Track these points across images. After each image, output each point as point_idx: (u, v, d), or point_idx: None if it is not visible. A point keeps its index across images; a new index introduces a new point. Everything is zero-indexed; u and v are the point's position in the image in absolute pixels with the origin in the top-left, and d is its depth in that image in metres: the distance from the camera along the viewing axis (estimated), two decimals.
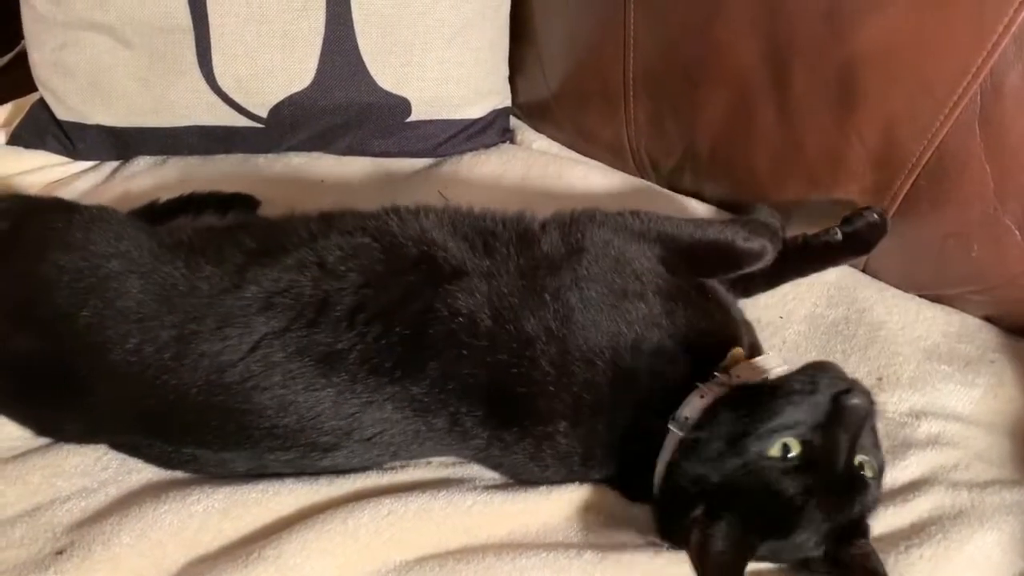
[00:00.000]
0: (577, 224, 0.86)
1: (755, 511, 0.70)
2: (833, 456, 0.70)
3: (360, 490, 0.80)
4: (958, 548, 0.75)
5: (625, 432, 0.78)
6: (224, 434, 0.77)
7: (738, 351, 0.81)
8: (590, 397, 0.77)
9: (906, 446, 0.85)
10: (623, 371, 0.78)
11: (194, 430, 0.78)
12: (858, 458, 0.72)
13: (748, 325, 0.90)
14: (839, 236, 0.93)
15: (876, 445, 0.75)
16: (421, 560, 0.75)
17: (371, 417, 0.77)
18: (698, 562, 0.69)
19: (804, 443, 0.70)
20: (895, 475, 0.82)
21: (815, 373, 0.72)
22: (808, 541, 0.71)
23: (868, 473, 0.72)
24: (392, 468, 0.82)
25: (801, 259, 0.96)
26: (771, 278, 0.97)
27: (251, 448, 0.78)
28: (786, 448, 0.70)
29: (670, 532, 0.75)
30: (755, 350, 0.87)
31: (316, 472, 0.80)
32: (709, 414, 0.74)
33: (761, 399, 0.72)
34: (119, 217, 0.88)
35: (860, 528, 0.73)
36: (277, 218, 0.92)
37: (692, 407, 0.76)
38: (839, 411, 0.69)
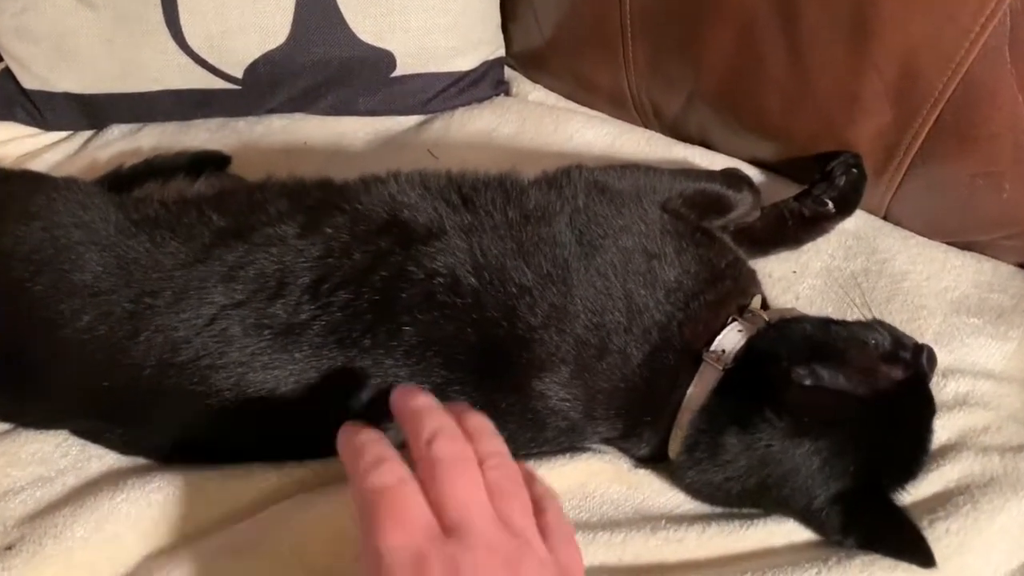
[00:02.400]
0: (568, 175, 0.82)
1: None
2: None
3: (335, 473, 0.74)
4: (988, 519, 0.69)
5: (641, 373, 0.72)
6: (179, 418, 0.72)
7: (758, 296, 0.77)
8: (596, 343, 0.72)
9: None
10: (637, 310, 0.73)
11: (150, 414, 0.73)
12: None
13: (754, 273, 0.85)
14: (831, 207, 0.89)
15: None
16: None
17: (341, 394, 0.71)
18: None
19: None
20: None
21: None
22: None
23: None
24: None
25: (794, 231, 0.92)
26: (761, 246, 0.92)
27: (208, 432, 0.73)
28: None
29: (697, 486, 0.72)
30: (765, 303, 0.82)
31: (284, 456, 0.74)
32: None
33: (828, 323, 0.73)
34: (87, 188, 0.84)
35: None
36: (249, 188, 0.87)
37: (730, 340, 0.72)
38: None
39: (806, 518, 0.70)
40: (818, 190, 0.90)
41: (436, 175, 0.81)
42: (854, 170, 0.89)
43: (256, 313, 0.71)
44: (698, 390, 0.71)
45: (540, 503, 0.57)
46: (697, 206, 0.85)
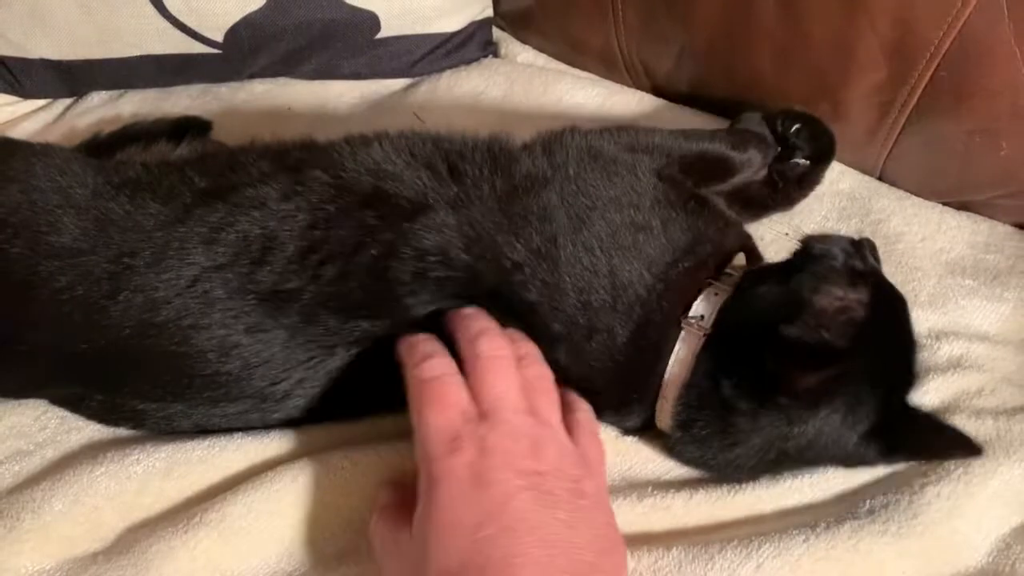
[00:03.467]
0: (560, 140, 0.79)
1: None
2: None
3: (321, 441, 0.73)
4: (981, 484, 0.67)
5: (627, 350, 0.70)
6: (161, 382, 0.71)
7: (741, 255, 0.75)
8: (584, 322, 0.70)
9: (925, 370, 0.76)
10: (621, 286, 0.71)
11: (130, 378, 0.72)
12: None
13: (751, 240, 0.82)
14: (808, 163, 0.88)
15: None
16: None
17: (330, 364, 0.70)
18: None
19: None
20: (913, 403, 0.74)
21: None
22: None
23: None
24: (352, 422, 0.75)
25: (785, 192, 0.90)
26: (754, 209, 0.90)
27: (192, 398, 0.71)
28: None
29: (692, 452, 0.70)
30: (757, 262, 0.80)
31: (269, 426, 0.73)
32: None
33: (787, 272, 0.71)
34: (64, 153, 0.82)
35: None
36: (231, 151, 0.85)
37: (707, 304, 0.70)
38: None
39: (841, 463, 0.69)
40: (787, 160, 0.88)
41: (423, 139, 0.78)
42: (799, 124, 0.87)
43: (240, 277, 0.69)
44: (680, 359, 0.69)
45: (570, 404, 0.67)
46: (697, 171, 0.82)
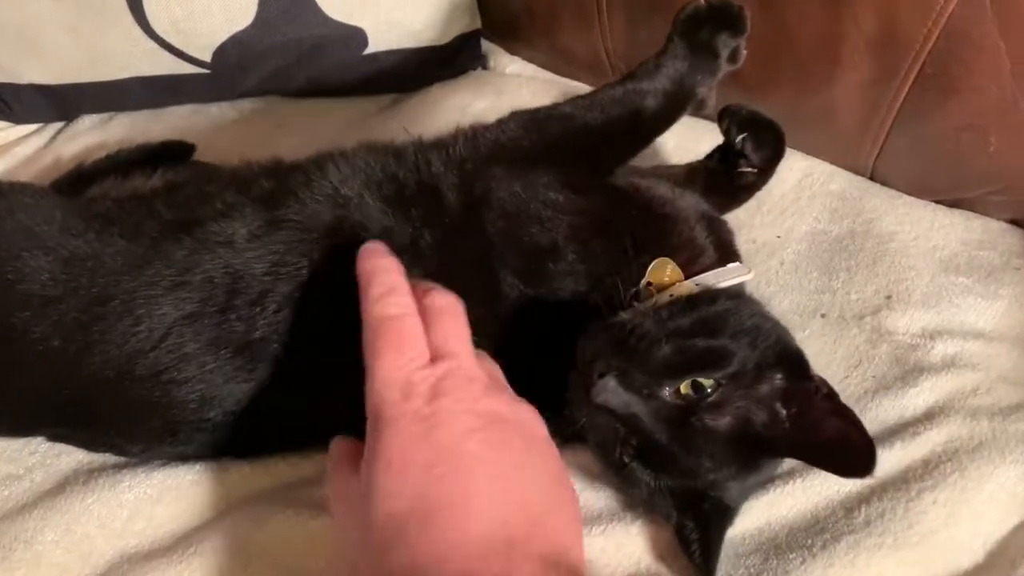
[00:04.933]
0: (469, 171, 0.73)
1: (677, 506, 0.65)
2: (644, 434, 0.62)
3: (312, 468, 0.72)
4: (976, 488, 0.66)
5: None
6: (149, 429, 0.70)
7: (661, 262, 0.69)
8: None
9: (918, 371, 0.75)
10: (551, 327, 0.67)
11: (118, 424, 0.71)
12: (682, 387, 0.62)
13: (709, 219, 0.76)
14: (753, 171, 0.83)
15: (680, 349, 0.62)
16: None
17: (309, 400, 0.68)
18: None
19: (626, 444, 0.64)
20: (905, 404, 0.73)
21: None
22: (726, 487, 0.64)
23: (705, 385, 0.62)
24: None
25: (725, 201, 0.85)
26: (723, 201, 0.85)
27: (182, 443, 0.70)
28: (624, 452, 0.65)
29: None
30: (726, 250, 0.75)
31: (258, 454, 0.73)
32: None
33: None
34: (31, 189, 0.80)
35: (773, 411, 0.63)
36: (200, 178, 0.81)
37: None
38: (601, 413, 0.62)
39: None
40: (734, 168, 0.84)
41: (374, 164, 0.74)
42: (746, 132, 0.82)
43: (211, 328, 0.67)
44: None
45: None
46: (613, 150, 0.77)
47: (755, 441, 0.62)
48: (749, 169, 0.84)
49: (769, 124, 0.82)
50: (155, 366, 0.67)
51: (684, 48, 0.77)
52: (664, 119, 0.78)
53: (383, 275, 0.61)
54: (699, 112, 0.80)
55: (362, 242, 0.66)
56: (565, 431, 0.69)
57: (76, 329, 0.68)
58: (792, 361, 0.65)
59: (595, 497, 0.70)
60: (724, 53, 0.78)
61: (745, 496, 0.67)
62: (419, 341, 0.58)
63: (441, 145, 0.76)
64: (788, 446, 0.64)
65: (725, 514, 0.65)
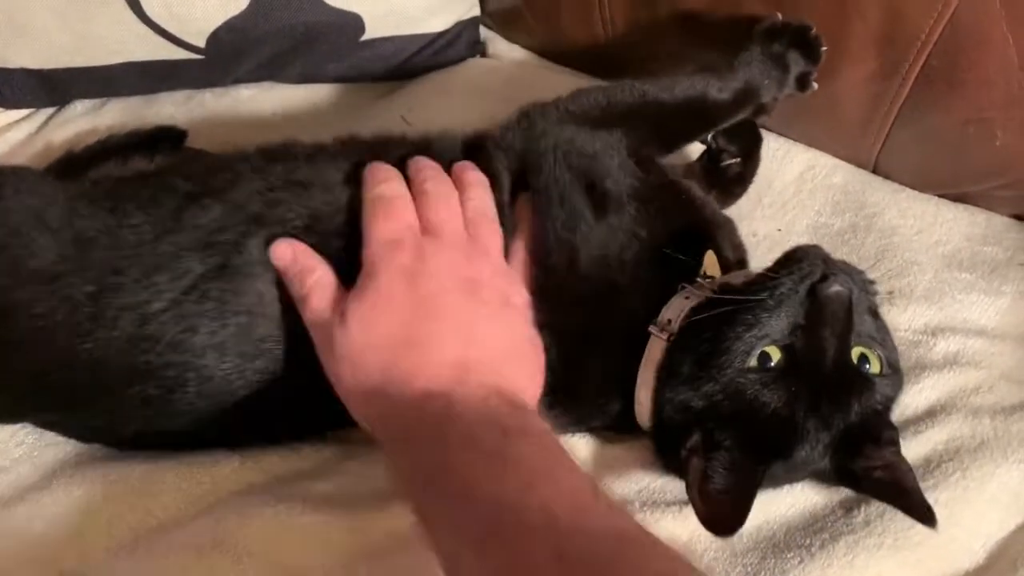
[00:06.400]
0: (534, 128, 0.77)
1: (749, 433, 0.62)
2: (818, 357, 0.61)
3: (303, 463, 0.72)
4: (978, 488, 0.66)
5: (612, 358, 0.69)
6: (151, 405, 0.69)
7: (710, 254, 0.71)
8: (573, 327, 0.69)
9: (920, 368, 0.75)
10: (605, 292, 0.70)
11: (116, 403, 0.70)
12: (857, 351, 0.63)
13: (729, 225, 0.80)
14: (737, 161, 0.87)
15: (880, 332, 0.66)
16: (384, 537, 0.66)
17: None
18: (701, 507, 0.61)
19: (784, 348, 0.62)
20: (906, 402, 0.72)
21: (789, 264, 0.64)
22: (812, 454, 0.63)
23: (873, 367, 0.63)
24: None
25: (724, 195, 0.88)
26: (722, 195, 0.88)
27: (189, 420, 0.70)
28: (765, 358, 0.62)
29: (671, 463, 0.67)
30: (739, 251, 0.78)
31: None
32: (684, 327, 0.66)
33: (730, 309, 0.63)
34: (33, 173, 0.81)
35: (871, 434, 0.63)
36: (210, 155, 0.84)
37: (675, 308, 0.68)
38: (816, 304, 0.61)
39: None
40: (718, 164, 0.87)
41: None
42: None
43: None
44: (648, 362, 0.67)
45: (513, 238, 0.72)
46: (678, 129, 0.81)
47: (853, 444, 0.63)
48: (733, 160, 0.87)
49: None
50: (175, 318, 0.68)
51: (759, 55, 0.81)
52: (728, 112, 0.81)
53: (382, 170, 0.70)
54: (758, 117, 0.86)
55: None
56: (592, 423, 0.71)
57: (85, 301, 0.68)
58: (892, 403, 0.67)
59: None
60: (794, 71, 0.82)
61: (779, 483, 0.67)
62: (409, 213, 0.67)
63: (494, 131, 0.79)
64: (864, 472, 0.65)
65: (761, 472, 0.63)
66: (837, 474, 0.65)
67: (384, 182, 0.69)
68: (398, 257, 0.64)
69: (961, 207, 0.88)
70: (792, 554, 0.64)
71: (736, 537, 0.65)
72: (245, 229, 0.70)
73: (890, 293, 0.81)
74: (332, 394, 0.66)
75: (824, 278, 0.61)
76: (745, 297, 0.63)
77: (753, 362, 0.62)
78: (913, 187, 0.90)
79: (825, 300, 0.61)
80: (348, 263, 0.67)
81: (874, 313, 0.66)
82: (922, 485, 0.66)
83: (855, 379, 0.63)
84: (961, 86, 0.80)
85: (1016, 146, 0.81)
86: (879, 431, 0.64)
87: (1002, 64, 0.77)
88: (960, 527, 0.65)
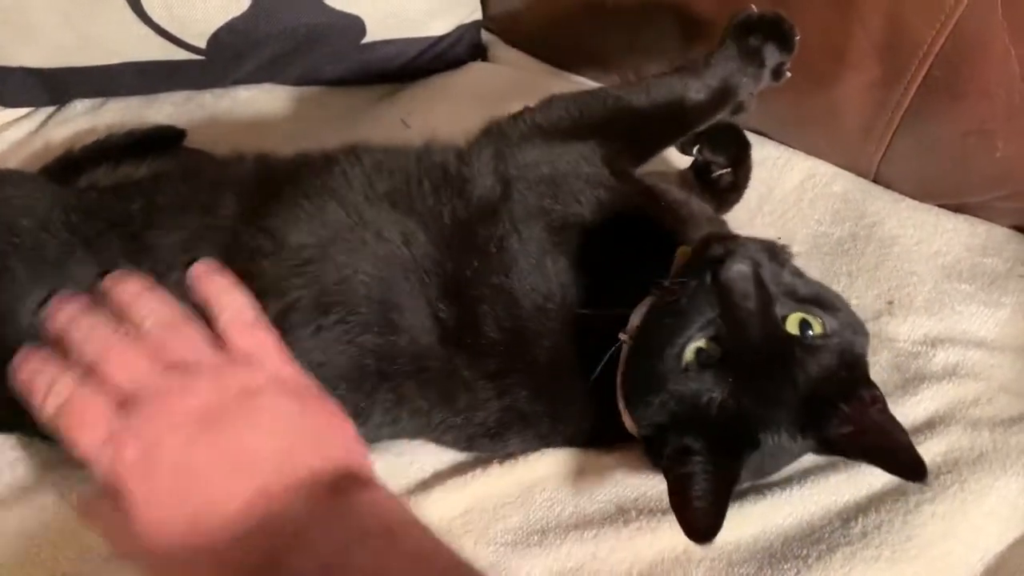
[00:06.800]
0: (499, 152, 0.74)
1: (711, 431, 0.60)
2: (744, 338, 0.59)
3: None
4: (976, 501, 0.66)
5: (588, 375, 0.67)
6: None
7: (683, 250, 0.68)
8: (548, 347, 0.68)
9: (919, 379, 0.75)
10: (565, 300, 0.69)
11: None
12: (795, 318, 0.61)
13: (717, 221, 0.79)
14: (727, 171, 0.86)
15: (812, 289, 0.64)
16: None
17: None
18: (681, 515, 0.59)
19: (712, 339, 0.60)
20: (905, 413, 0.72)
21: (694, 258, 0.63)
22: (780, 436, 0.60)
23: (815, 329, 0.61)
24: None
25: (719, 203, 0.87)
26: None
27: None
28: (700, 354, 0.61)
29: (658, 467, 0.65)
30: None
31: None
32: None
33: (654, 316, 0.63)
34: (21, 177, 0.81)
35: (838, 397, 0.60)
36: (182, 173, 0.81)
37: (639, 313, 0.66)
38: (722, 291, 0.60)
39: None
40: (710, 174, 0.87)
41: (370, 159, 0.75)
42: (689, 142, 0.85)
43: None
44: (621, 371, 0.66)
45: (216, 309, 0.59)
46: (653, 135, 0.79)
47: (819, 412, 0.60)
48: (723, 171, 0.86)
49: (722, 123, 0.83)
50: None
51: (734, 50, 0.78)
52: (705, 112, 0.79)
53: (37, 377, 0.56)
54: (736, 115, 0.82)
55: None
56: (565, 433, 0.70)
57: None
58: (862, 360, 0.65)
59: (588, 502, 0.69)
60: (770, 64, 0.79)
61: (764, 473, 0.65)
62: (98, 401, 0.54)
63: (468, 144, 0.77)
64: (843, 437, 0.61)
65: (735, 469, 0.61)
66: (821, 446, 0.63)
67: (49, 389, 0.56)
68: (123, 458, 0.52)
69: (961, 218, 0.88)
70: (789, 565, 0.64)
71: (733, 547, 0.65)
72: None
73: (889, 303, 0.81)
74: None
75: (720, 261, 0.60)
76: (660, 303, 0.62)
77: (689, 359, 0.61)
78: (913, 197, 0.90)
79: (728, 283, 0.59)
80: None
81: (797, 274, 0.64)
82: (919, 498, 0.66)
83: (793, 348, 0.60)
84: (963, 97, 0.80)
85: (1017, 157, 0.81)
86: (851, 391, 0.61)
87: (1004, 75, 0.77)
88: (958, 540, 0.65)
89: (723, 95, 0.78)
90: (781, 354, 0.60)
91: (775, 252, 0.63)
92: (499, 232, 0.69)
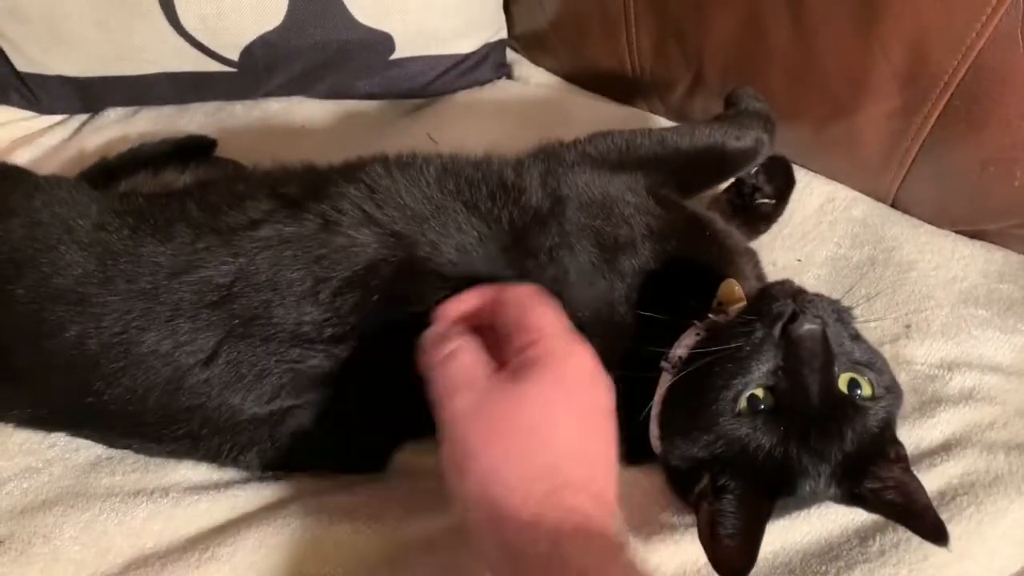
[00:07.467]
0: (551, 170, 0.77)
1: (751, 475, 0.62)
2: (803, 393, 0.62)
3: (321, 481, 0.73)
4: (992, 523, 0.66)
5: (627, 389, 0.67)
6: (199, 437, 0.70)
7: (729, 283, 0.71)
8: None
9: (935, 402, 0.76)
10: (620, 325, 0.70)
11: (164, 434, 0.70)
12: (846, 378, 0.63)
13: (752, 254, 0.81)
14: (770, 202, 0.90)
15: (866, 354, 0.66)
16: (407, 544, 0.68)
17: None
18: (711, 551, 0.61)
19: (769, 389, 0.62)
20: (921, 435, 0.74)
21: (760, 304, 0.64)
22: (816, 487, 0.63)
23: (864, 391, 0.64)
24: None
25: (751, 227, 0.91)
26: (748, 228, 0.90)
27: (214, 454, 0.71)
28: (753, 400, 0.62)
29: (681, 495, 0.68)
30: (761, 281, 0.79)
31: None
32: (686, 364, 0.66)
33: (711, 360, 0.64)
34: (68, 183, 0.81)
35: (875, 456, 0.63)
36: (230, 178, 0.84)
37: (684, 346, 0.68)
38: (790, 345, 0.62)
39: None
40: (752, 201, 0.90)
41: (416, 181, 0.75)
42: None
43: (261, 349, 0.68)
44: (658, 398, 0.68)
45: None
46: (696, 175, 0.82)
47: (856, 468, 0.63)
48: (765, 200, 0.89)
49: (775, 156, 0.87)
50: (210, 380, 0.67)
51: (766, 113, 0.85)
52: (747, 159, 0.83)
53: (443, 340, 0.60)
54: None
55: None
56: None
57: (116, 334, 0.68)
58: (894, 419, 0.67)
59: None
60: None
61: (787, 512, 0.67)
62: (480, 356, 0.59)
63: (520, 160, 0.79)
64: (870, 492, 0.64)
65: (767, 510, 0.63)
66: (848, 499, 0.65)
67: (444, 347, 0.60)
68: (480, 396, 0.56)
69: (978, 244, 0.89)
70: None
71: None
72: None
73: (907, 327, 0.82)
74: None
75: (794, 317, 0.61)
76: (722, 347, 0.64)
77: (743, 406, 0.63)
78: (931, 222, 0.91)
79: (798, 340, 0.61)
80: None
81: (855, 337, 0.66)
82: None
83: (846, 408, 0.62)
84: (982, 127, 0.81)
85: None
86: (882, 450, 0.64)
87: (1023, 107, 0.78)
88: (973, 561, 0.65)
89: (761, 147, 0.83)
90: (833, 412, 0.62)
91: (840, 314, 0.65)
92: (549, 243, 0.71)
